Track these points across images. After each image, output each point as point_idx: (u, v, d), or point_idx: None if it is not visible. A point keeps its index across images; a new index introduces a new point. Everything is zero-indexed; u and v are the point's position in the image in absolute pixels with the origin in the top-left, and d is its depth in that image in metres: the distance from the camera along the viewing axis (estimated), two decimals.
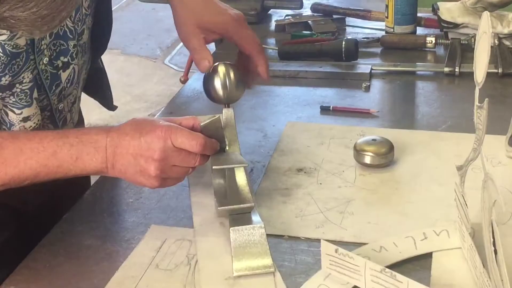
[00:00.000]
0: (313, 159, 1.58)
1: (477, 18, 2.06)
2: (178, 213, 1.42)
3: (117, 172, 1.30)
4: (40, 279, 1.25)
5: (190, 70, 2.25)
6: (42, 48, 1.36)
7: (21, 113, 1.37)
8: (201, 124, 1.35)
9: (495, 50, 1.98)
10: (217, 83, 1.42)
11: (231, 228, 1.28)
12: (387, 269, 1.16)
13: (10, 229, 1.53)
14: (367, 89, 1.89)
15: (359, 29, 2.25)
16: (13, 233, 1.54)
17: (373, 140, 1.52)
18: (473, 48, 2.02)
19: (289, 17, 2.28)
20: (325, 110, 1.78)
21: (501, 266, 1.04)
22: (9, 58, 1.29)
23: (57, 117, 1.46)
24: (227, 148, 1.41)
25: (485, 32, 1.05)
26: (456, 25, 2.09)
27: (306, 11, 2.34)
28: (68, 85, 1.46)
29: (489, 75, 1.93)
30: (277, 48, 2.09)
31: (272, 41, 2.21)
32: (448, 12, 2.09)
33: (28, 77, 1.35)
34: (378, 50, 2.12)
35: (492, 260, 1.09)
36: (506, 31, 2.02)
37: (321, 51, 2.04)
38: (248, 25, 1.52)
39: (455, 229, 1.31)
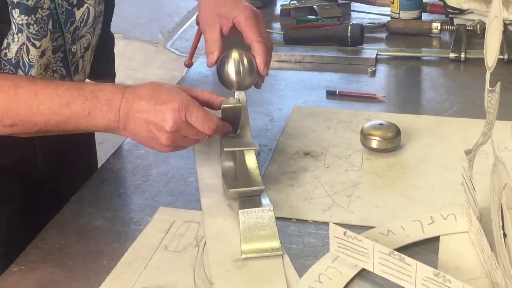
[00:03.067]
0: (319, 143, 1.59)
1: (483, 4, 2.06)
2: (186, 195, 1.43)
3: (128, 133, 1.32)
4: (50, 259, 1.26)
5: (195, 55, 2.26)
6: None
7: (40, 46, 1.37)
8: (223, 106, 1.36)
9: (504, 34, 1.99)
10: (231, 69, 1.42)
11: (240, 211, 1.29)
12: (396, 252, 1.17)
13: (18, 202, 1.55)
14: (373, 74, 1.91)
15: (364, 14, 2.27)
16: (22, 206, 1.55)
17: (380, 124, 1.53)
18: (479, 34, 2.04)
19: (294, 1, 2.29)
20: (331, 94, 1.79)
21: (510, 250, 1.05)
22: None
23: (69, 60, 1.46)
24: (238, 131, 1.43)
25: (496, 16, 1.05)
26: (461, 11, 2.10)
27: None
28: (82, 24, 1.46)
29: (497, 61, 1.94)
30: (282, 32, 2.10)
31: (277, 25, 2.22)
32: None
33: (46, 3, 1.35)
34: (383, 35, 2.14)
35: (501, 243, 1.09)
36: None
37: (326, 36, 2.06)
38: (260, 18, 1.53)
39: (462, 213, 1.32)
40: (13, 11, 1.31)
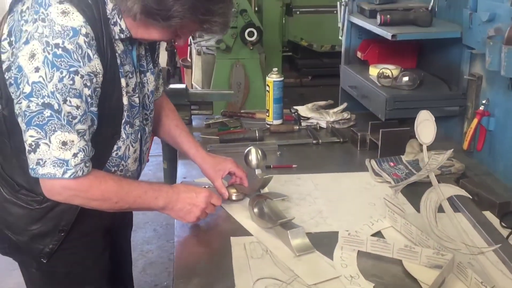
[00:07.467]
0: (285, 192, 1.73)
1: (318, 114, 2.36)
2: (237, 229, 1.55)
3: (173, 211, 1.48)
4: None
5: None
6: (142, 112, 1.52)
7: (135, 146, 1.51)
8: (264, 177, 1.57)
9: (330, 128, 2.31)
10: (253, 157, 1.63)
11: (289, 231, 1.44)
12: (380, 239, 1.44)
13: (108, 246, 1.63)
14: (281, 155, 2.08)
15: (249, 123, 2.37)
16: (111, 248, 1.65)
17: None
18: (318, 130, 2.33)
19: (209, 119, 2.37)
20: (268, 167, 1.93)
21: (455, 226, 1.34)
22: (130, 107, 1.45)
23: (141, 157, 1.59)
24: (262, 190, 1.62)
25: (427, 119, 1.36)
26: (307, 118, 2.36)
27: (217, 116, 2.42)
28: (149, 136, 1.61)
29: (332, 143, 2.21)
30: (218, 137, 2.20)
31: (204, 132, 2.27)
32: (302, 111, 2.38)
33: (137, 123, 1.50)
34: (268, 133, 2.27)
35: (435, 226, 1.39)
36: (332, 119, 2.34)
37: (244, 137, 2.18)
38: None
39: (384, 218, 1.59)
40: (126, 126, 1.45)
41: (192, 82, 4.63)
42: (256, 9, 4.77)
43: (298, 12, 5.56)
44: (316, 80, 5.97)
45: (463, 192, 1.29)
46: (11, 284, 2.73)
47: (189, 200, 1.48)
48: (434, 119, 1.32)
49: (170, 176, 2.44)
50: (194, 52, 4.64)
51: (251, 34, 4.23)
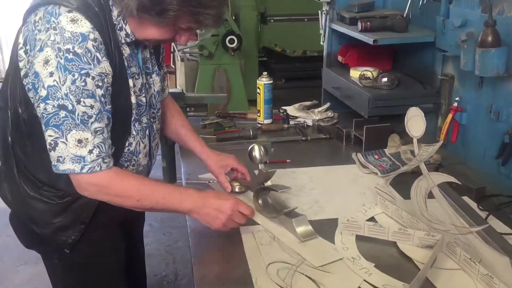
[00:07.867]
0: (284, 184, 1.76)
1: (305, 113, 2.44)
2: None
3: (199, 216, 1.43)
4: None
5: None
6: (149, 110, 1.54)
7: (144, 142, 1.52)
8: (269, 171, 1.61)
9: (316, 126, 2.39)
10: (256, 153, 1.68)
11: (293, 219, 1.49)
12: (377, 223, 1.51)
13: (124, 237, 1.65)
14: (274, 151, 2.10)
15: (242, 123, 2.40)
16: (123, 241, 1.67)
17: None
18: (306, 127, 2.39)
19: (205, 120, 2.39)
20: (264, 163, 1.92)
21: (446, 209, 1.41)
22: (137, 105, 1.47)
23: (151, 152, 1.60)
24: (265, 183, 1.67)
25: (417, 115, 1.43)
26: (295, 117, 2.42)
27: (212, 117, 2.44)
28: (157, 132, 1.62)
29: (319, 139, 2.27)
30: (215, 136, 2.23)
31: (200, 133, 2.29)
32: (291, 110, 2.44)
33: (144, 121, 1.52)
34: (259, 132, 2.30)
35: (424, 210, 1.47)
36: (317, 118, 2.40)
37: (239, 136, 2.21)
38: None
39: (375, 205, 1.65)
40: (135, 123, 1.48)
41: (177, 87, 4.66)
42: (234, 17, 4.82)
43: (272, 21, 5.65)
44: (289, 83, 6.06)
45: (452, 179, 1.36)
46: (18, 280, 2.73)
47: (215, 206, 1.42)
48: (423, 114, 1.39)
49: (170, 174, 2.47)
50: (178, 59, 4.67)
51: (231, 41, 4.29)
